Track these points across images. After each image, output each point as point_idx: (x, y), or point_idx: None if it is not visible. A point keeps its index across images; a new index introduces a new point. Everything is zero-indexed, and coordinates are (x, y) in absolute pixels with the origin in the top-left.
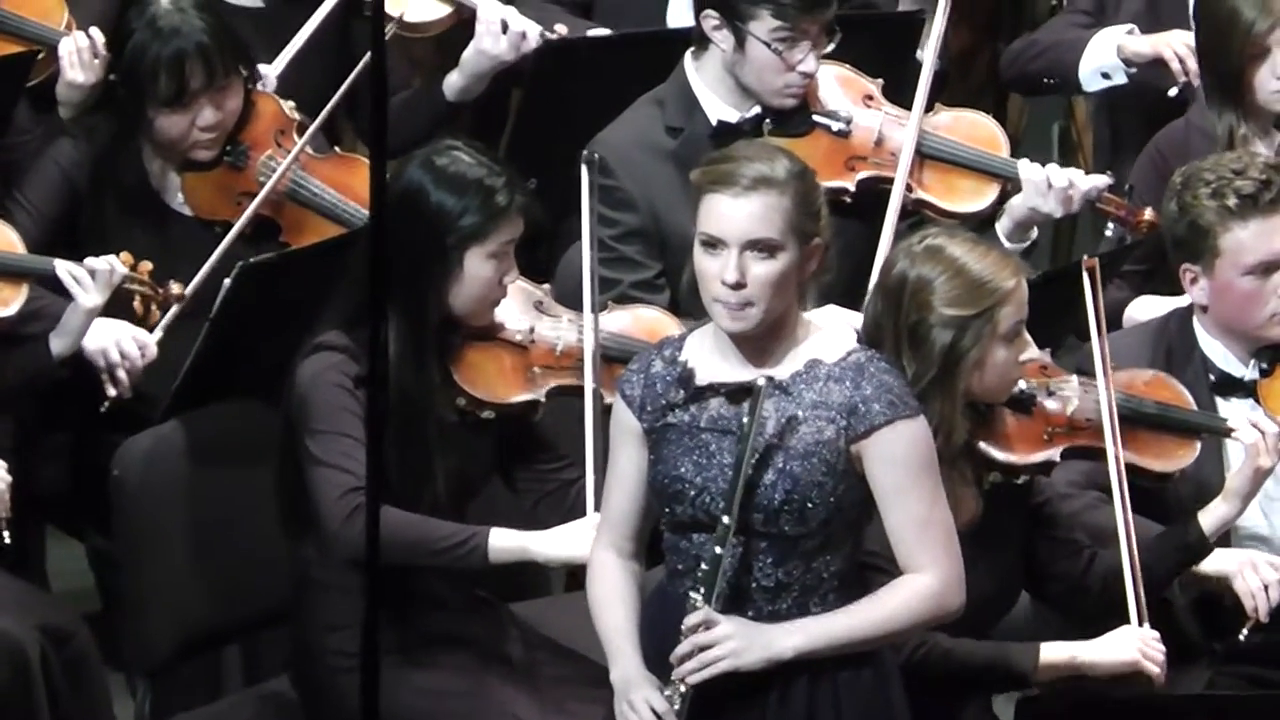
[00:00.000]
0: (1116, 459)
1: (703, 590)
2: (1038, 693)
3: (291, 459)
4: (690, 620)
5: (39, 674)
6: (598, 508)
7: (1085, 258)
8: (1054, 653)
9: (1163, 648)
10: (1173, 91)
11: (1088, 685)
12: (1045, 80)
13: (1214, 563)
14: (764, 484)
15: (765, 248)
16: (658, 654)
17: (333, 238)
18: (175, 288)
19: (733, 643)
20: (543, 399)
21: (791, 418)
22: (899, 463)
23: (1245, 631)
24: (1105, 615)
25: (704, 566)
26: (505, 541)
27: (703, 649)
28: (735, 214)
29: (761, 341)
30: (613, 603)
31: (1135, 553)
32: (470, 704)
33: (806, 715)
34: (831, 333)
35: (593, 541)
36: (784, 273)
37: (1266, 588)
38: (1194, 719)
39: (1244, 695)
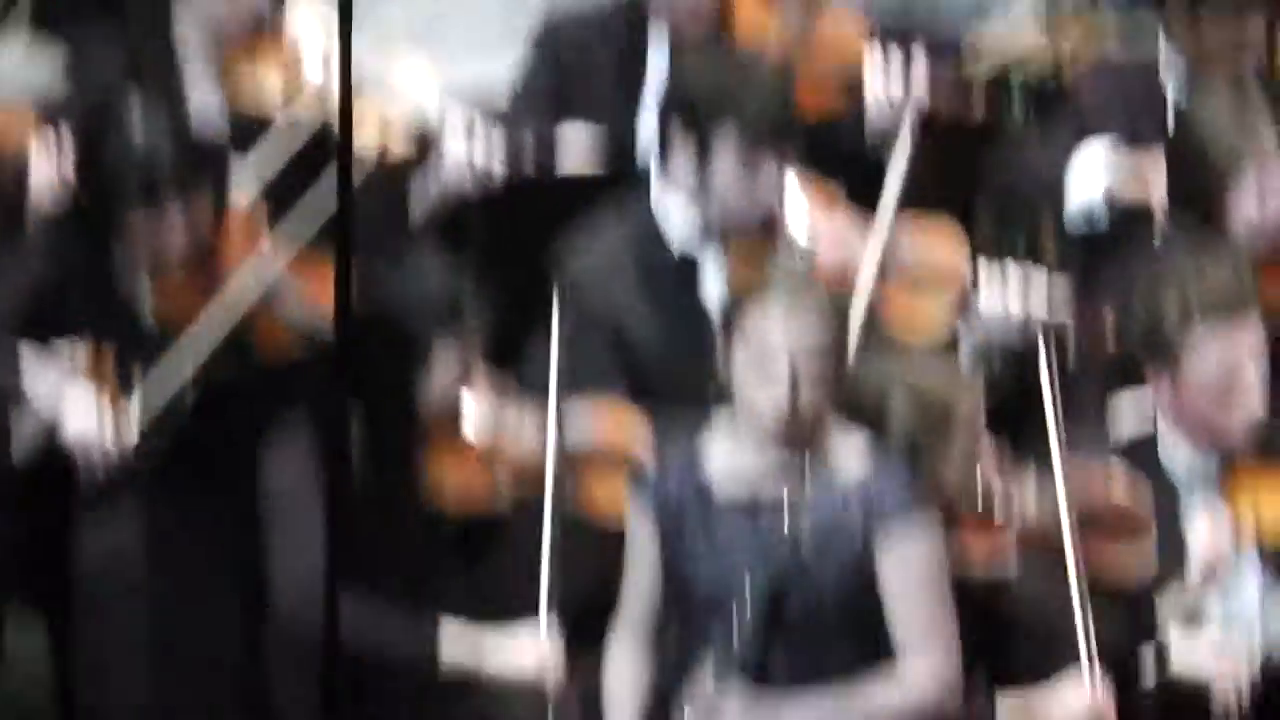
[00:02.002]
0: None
1: (713, 675)
2: None
3: (254, 550)
4: (698, 704)
5: None
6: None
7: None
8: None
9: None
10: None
11: None
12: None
13: (1190, 666)
14: (781, 576)
15: (817, 354)
16: None
17: (301, 360)
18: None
19: None
20: (506, 509)
21: (806, 513)
22: (910, 556)
23: None
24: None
25: (719, 629)
26: (458, 643)
27: None
28: (787, 326)
29: (789, 435)
30: (629, 697)
31: (1088, 607)
32: None
33: None
34: (840, 432)
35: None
36: (830, 374)
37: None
38: None
39: None
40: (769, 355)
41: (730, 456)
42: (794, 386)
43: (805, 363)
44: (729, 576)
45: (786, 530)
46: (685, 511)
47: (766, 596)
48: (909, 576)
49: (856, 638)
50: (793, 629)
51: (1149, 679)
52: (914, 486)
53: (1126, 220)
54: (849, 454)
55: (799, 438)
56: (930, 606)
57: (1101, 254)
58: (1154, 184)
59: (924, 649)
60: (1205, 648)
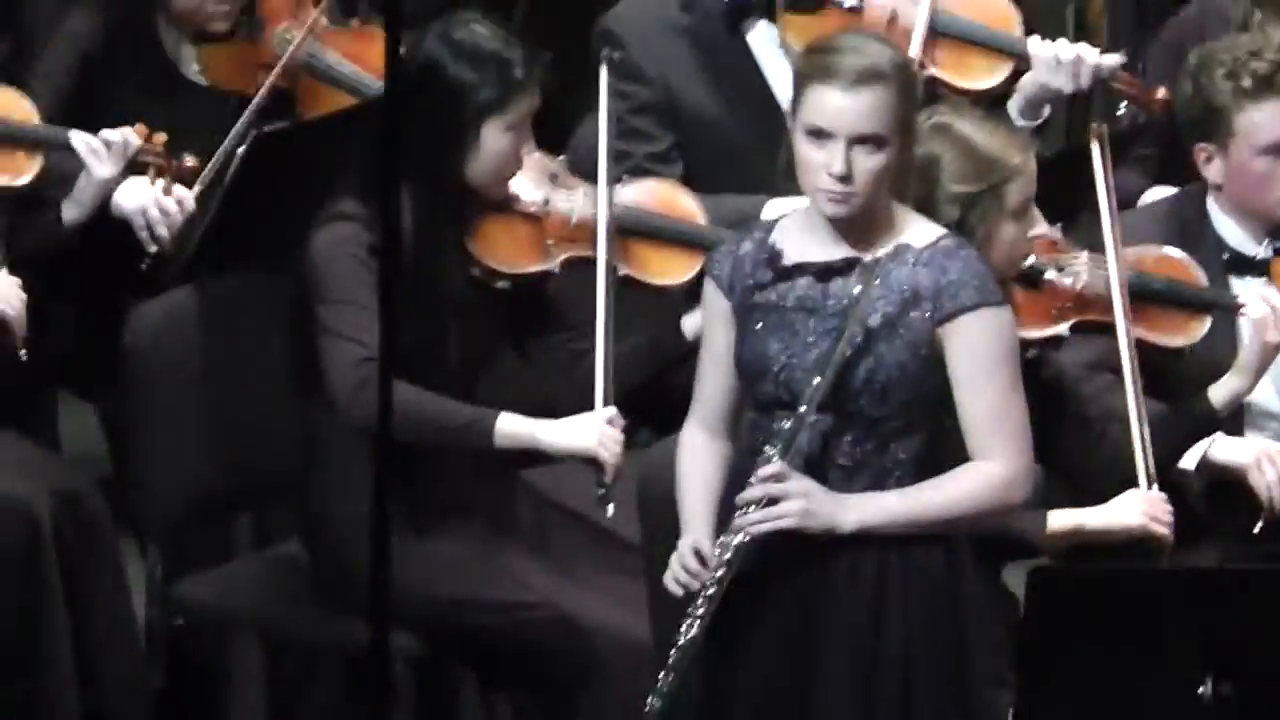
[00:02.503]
0: (1126, 331)
1: (780, 445)
2: (1049, 563)
3: (304, 327)
4: (764, 471)
5: (50, 537)
6: (606, 398)
7: (1094, 125)
8: (1061, 519)
9: (1170, 508)
10: None
11: (1097, 553)
12: None
13: (1230, 452)
14: (846, 362)
15: (872, 141)
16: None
17: (347, 107)
18: (190, 160)
19: (802, 502)
20: (557, 270)
21: (877, 298)
22: (979, 350)
23: (1260, 525)
24: (1116, 490)
25: (785, 425)
26: (512, 427)
27: (772, 501)
28: (845, 107)
29: (855, 225)
30: (694, 482)
31: (1144, 418)
32: (481, 571)
33: (875, 590)
34: (922, 220)
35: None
36: (888, 164)
37: None
38: (1205, 593)
39: (1257, 569)
40: (825, 137)
41: (801, 237)
42: (847, 176)
43: (864, 153)
44: (799, 358)
45: (856, 313)
46: (757, 287)
47: (833, 381)
48: (979, 369)
49: (924, 433)
50: (859, 418)
51: (1191, 461)
52: (987, 278)
53: None
54: (922, 243)
55: (863, 227)
56: (1002, 400)
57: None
58: None
59: (995, 444)
60: (1247, 442)
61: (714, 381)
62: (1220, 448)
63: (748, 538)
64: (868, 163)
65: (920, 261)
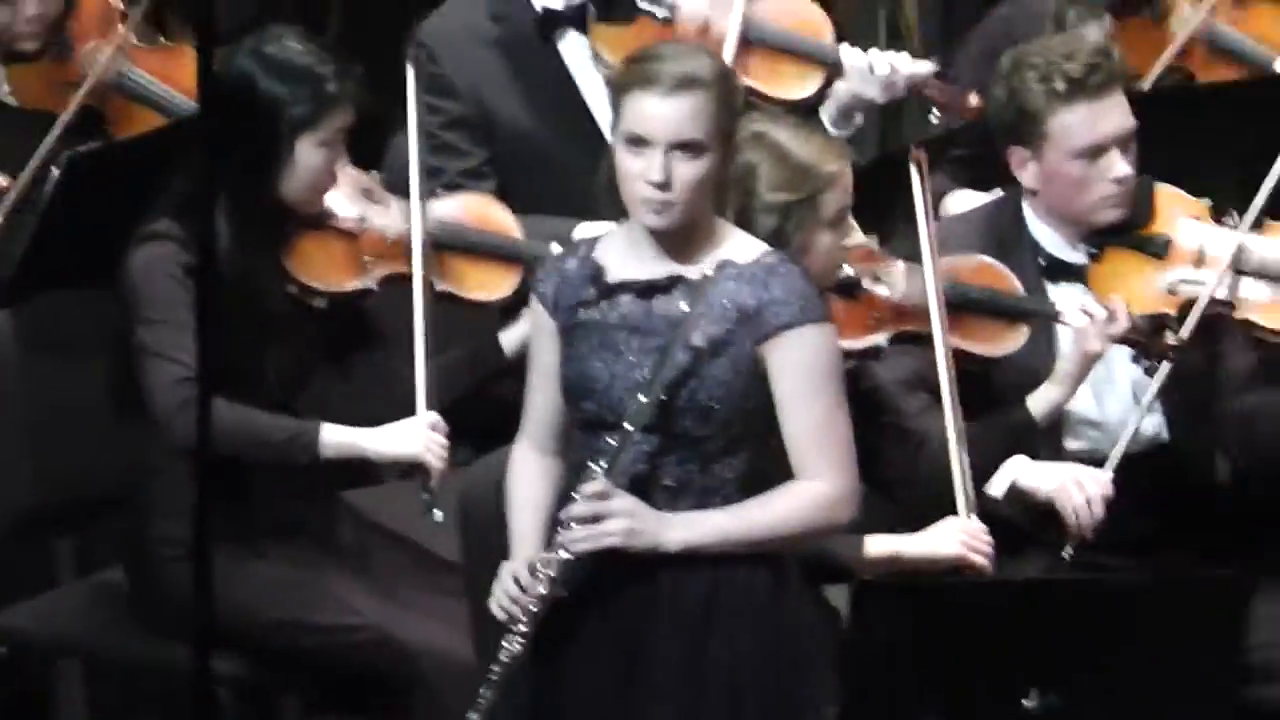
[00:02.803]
0: (943, 343)
1: (605, 463)
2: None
3: (124, 348)
4: (587, 488)
5: None
6: (428, 403)
7: (913, 148)
8: (879, 545)
9: (989, 539)
10: None
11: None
12: None
13: (1036, 479)
14: (668, 382)
15: (692, 148)
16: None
17: (163, 125)
18: (1, 180)
19: (626, 521)
20: (374, 286)
21: (699, 317)
22: (801, 368)
23: (1070, 549)
24: (934, 506)
25: (611, 442)
26: (336, 437)
27: (596, 519)
28: (662, 114)
29: (677, 240)
30: (524, 501)
31: (963, 442)
32: (305, 593)
33: (701, 610)
34: (745, 236)
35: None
36: (708, 173)
37: (1090, 504)
38: (1028, 604)
39: (1076, 579)
40: (644, 145)
41: (624, 254)
42: (666, 184)
43: (682, 160)
44: (621, 377)
45: (681, 333)
46: (581, 305)
47: (657, 401)
48: (802, 388)
49: (749, 452)
50: (683, 438)
51: (999, 489)
52: (810, 296)
53: None
54: (745, 259)
55: (684, 241)
56: (827, 419)
57: (961, 8)
58: None
59: (820, 463)
60: (1056, 468)
61: (542, 399)
62: (1027, 474)
63: (571, 556)
64: (687, 170)
65: (743, 278)
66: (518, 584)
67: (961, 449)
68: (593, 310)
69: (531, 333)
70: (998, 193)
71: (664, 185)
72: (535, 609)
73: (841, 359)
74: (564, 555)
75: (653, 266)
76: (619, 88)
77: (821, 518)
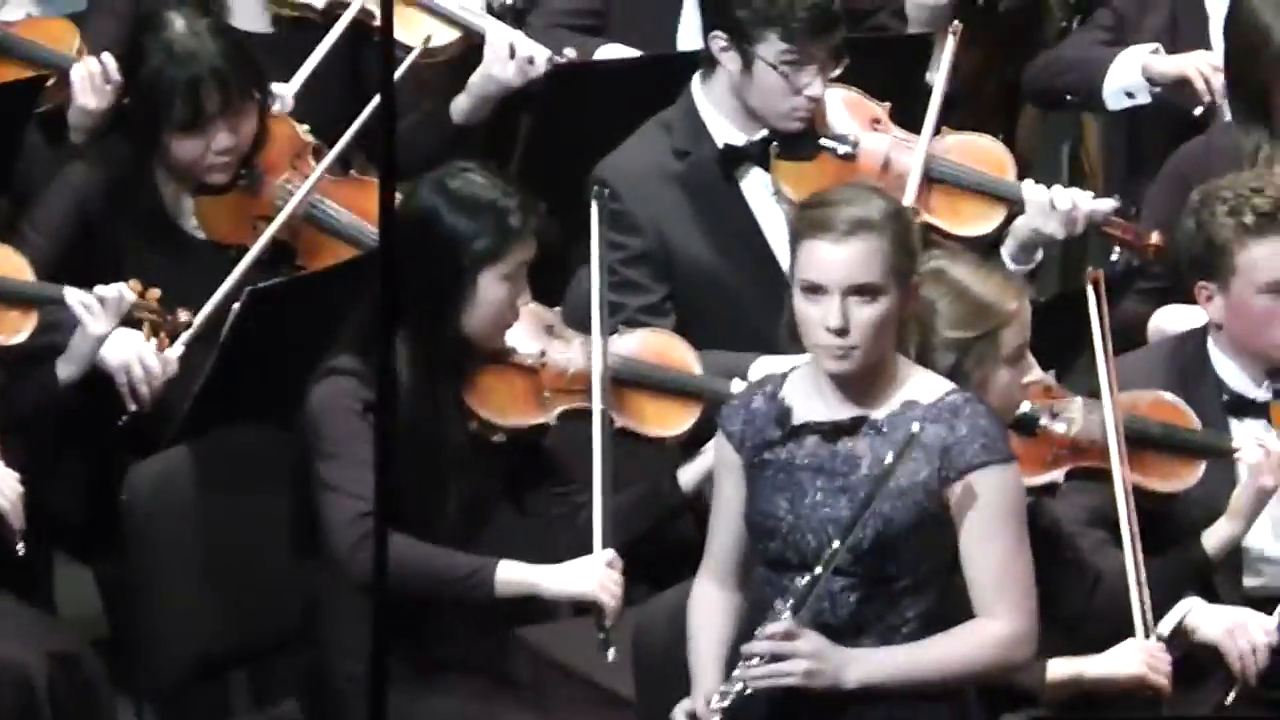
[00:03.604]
0: (1123, 478)
1: (792, 603)
2: (1046, 713)
3: (304, 483)
4: (772, 627)
5: (46, 701)
6: (605, 541)
7: (1090, 270)
8: (1060, 669)
9: (1169, 658)
10: (1197, 111)
11: (1097, 702)
12: (1068, 96)
13: (1203, 621)
14: (857, 520)
15: (867, 291)
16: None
17: (342, 261)
18: (184, 315)
19: (809, 663)
20: (554, 422)
21: (886, 457)
22: (986, 508)
23: (1233, 694)
24: (1111, 639)
25: (800, 582)
26: (512, 575)
27: (778, 658)
28: (836, 259)
29: (860, 382)
30: (705, 635)
31: (1141, 568)
32: None
33: None
34: (928, 374)
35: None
36: (886, 315)
37: (1255, 651)
38: None
39: (1255, 717)
40: (820, 292)
41: (808, 394)
42: (844, 329)
43: (859, 304)
44: (805, 518)
45: (863, 475)
46: (767, 445)
47: (842, 540)
48: (986, 528)
49: (933, 591)
50: (868, 577)
51: (1167, 629)
52: (996, 436)
53: (1170, 108)
54: (929, 399)
55: (867, 382)
56: (1008, 559)
57: (1148, 144)
58: (1207, 77)
59: (1000, 603)
60: (1224, 612)
61: (725, 535)
62: (1195, 616)
63: (748, 689)
64: (864, 314)
65: (928, 418)
66: (693, 717)
67: (1140, 570)
68: (779, 450)
69: (717, 468)
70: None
71: (842, 331)
72: None
73: (1024, 499)
74: (741, 688)
75: (837, 408)
76: (795, 234)
77: (999, 658)
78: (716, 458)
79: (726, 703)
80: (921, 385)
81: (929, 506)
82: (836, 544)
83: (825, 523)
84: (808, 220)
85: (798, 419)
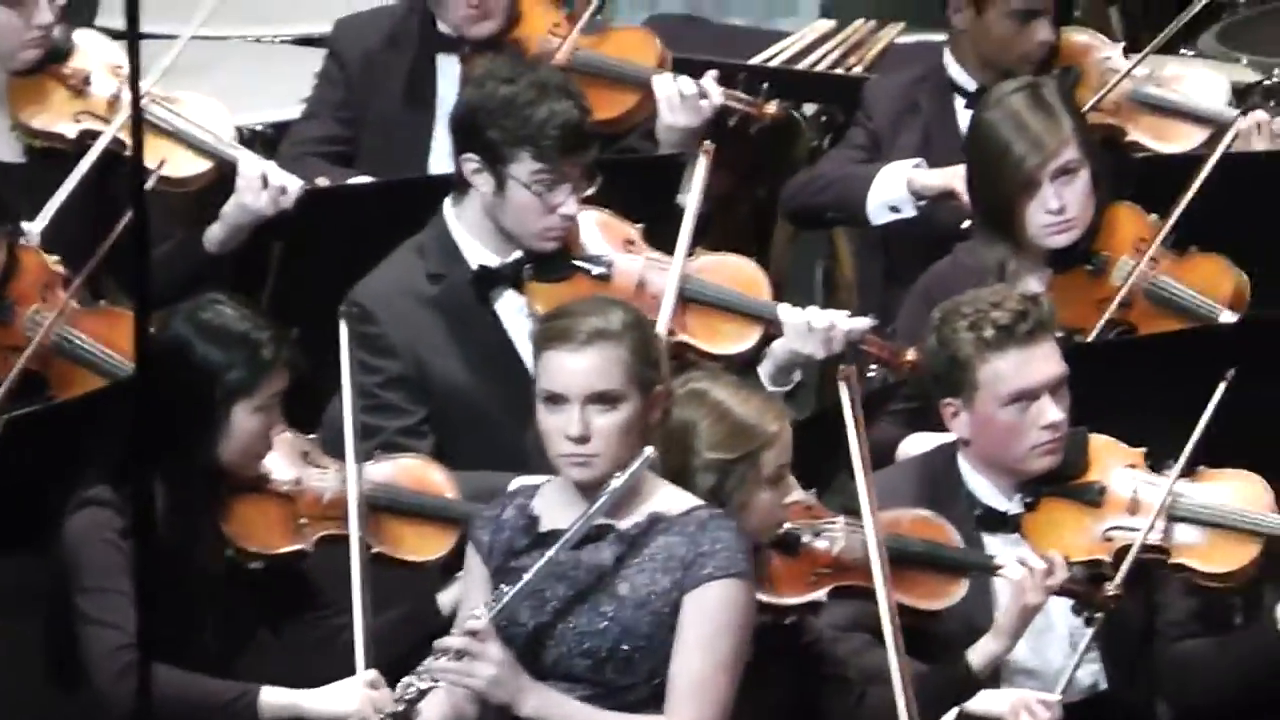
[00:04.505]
0: (886, 596)
1: (494, 609)
2: None
3: (61, 613)
4: (471, 623)
5: None
6: (366, 662)
7: (841, 367)
8: None
9: None
10: (965, 224)
11: None
12: (829, 214)
13: (986, 704)
14: (594, 630)
15: (607, 399)
16: None
17: (97, 389)
18: None
19: (495, 670)
20: (310, 549)
21: (630, 567)
22: (712, 617)
23: None
24: None
25: (504, 589)
26: (276, 699)
27: (469, 656)
28: (575, 368)
29: (592, 486)
30: None
31: (908, 687)
32: None
33: None
34: (675, 489)
35: None
36: (627, 422)
37: None
38: None
39: None
40: (560, 401)
41: (558, 502)
42: (585, 437)
43: (599, 413)
44: (549, 624)
45: (607, 584)
46: (513, 554)
47: (580, 647)
48: (704, 636)
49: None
50: (609, 686)
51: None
52: (737, 551)
53: (930, 220)
54: (676, 511)
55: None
56: (715, 672)
57: (902, 261)
58: (957, 190)
59: (690, 712)
60: (1003, 693)
61: None
62: (977, 702)
63: (436, 683)
64: (604, 422)
65: (673, 531)
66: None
67: (907, 689)
68: (524, 558)
69: (465, 578)
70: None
71: (583, 439)
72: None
73: (752, 618)
74: (428, 683)
75: (578, 511)
76: (536, 346)
77: None
78: (465, 569)
79: (411, 695)
80: (669, 498)
81: (668, 617)
82: (550, 551)
83: (566, 631)
84: (548, 332)
85: (544, 527)
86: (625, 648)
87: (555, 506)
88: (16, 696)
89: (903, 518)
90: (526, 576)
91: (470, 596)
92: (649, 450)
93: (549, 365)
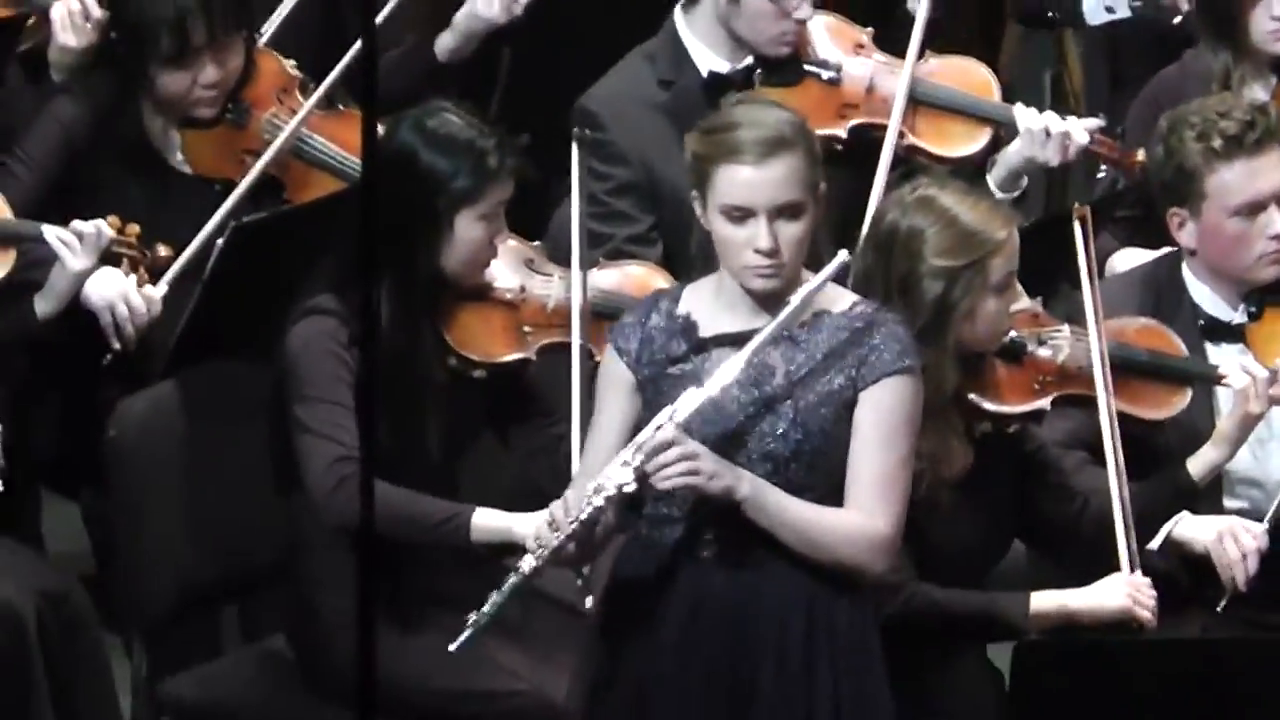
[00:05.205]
0: (1108, 406)
1: (685, 412)
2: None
3: (283, 422)
4: (664, 434)
5: (35, 638)
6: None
7: (1076, 206)
8: (1044, 601)
9: (1154, 593)
10: (1177, 20)
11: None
12: (1049, 14)
13: (1193, 531)
14: (775, 434)
15: (793, 210)
16: (636, 610)
17: (323, 197)
18: (163, 250)
19: (708, 463)
20: (533, 356)
21: (801, 367)
22: (887, 415)
23: (1224, 602)
24: (1097, 563)
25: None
26: (488, 521)
27: (682, 456)
28: (760, 181)
29: (773, 293)
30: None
31: (1126, 500)
32: (467, 661)
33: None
34: (834, 285)
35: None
36: (808, 229)
37: (1245, 557)
38: (1190, 663)
39: (1239, 639)
40: (746, 214)
41: (715, 306)
42: (775, 250)
43: (785, 224)
44: (731, 432)
45: (779, 384)
46: (670, 361)
47: (762, 450)
48: (883, 434)
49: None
50: (789, 487)
51: (1157, 543)
52: (908, 345)
53: (1150, 26)
54: (839, 309)
55: (779, 295)
56: (898, 467)
57: (1125, 51)
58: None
59: (880, 508)
60: (1213, 520)
61: (602, 455)
62: (1184, 526)
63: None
64: (790, 232)
65: (840, 327)
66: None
67: (1125, 504)
68: (685, 364)
69: (602, 388)
70: (1165, 250)
71: (773, 252)
72: (573, 526)
73: (921, 412)
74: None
75: (748, 319)
76: (703, 159)
77: (864, 555)
78: (603, 377)
79: (600, 500)
80: (830, 296)
81: (845, 414)
82: (748, 349)
83: (746, 436)
84: (719, 145)
85: (705, 332)
86: (807, 448)
87: (711, 310)
88: (240, 505)
89: (1128, 326)
90: (719, 377)
91: (607, 406)
92: (843, 254)
93: (730, 179)
